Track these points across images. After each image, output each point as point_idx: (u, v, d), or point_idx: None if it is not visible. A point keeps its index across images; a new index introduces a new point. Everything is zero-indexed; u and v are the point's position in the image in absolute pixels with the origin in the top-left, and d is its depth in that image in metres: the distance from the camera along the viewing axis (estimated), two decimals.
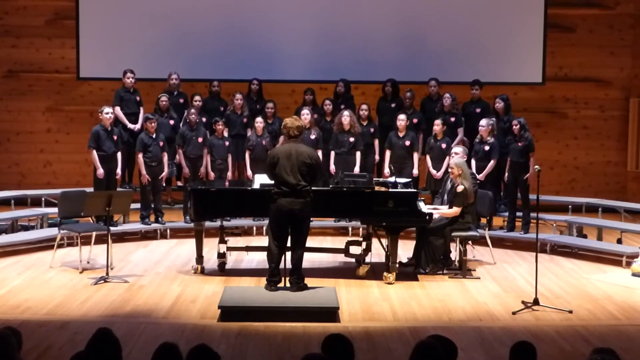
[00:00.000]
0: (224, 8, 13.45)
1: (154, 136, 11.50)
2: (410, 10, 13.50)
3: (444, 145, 11.63)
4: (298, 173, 8.53)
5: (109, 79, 13.23)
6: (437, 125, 11.69)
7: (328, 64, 13.41)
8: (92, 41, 13.52)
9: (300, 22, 13.49)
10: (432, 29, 13.53)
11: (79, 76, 13.68)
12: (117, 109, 12.13)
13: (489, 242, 10.60)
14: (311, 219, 9.02)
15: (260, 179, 9.53)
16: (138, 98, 12.41)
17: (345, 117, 11.81)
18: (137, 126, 12.20)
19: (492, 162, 11.40)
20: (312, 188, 8.72)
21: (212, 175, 11.85)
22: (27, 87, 13.96)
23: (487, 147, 11.40)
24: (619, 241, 11.26)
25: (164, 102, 12.13)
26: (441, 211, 9.94)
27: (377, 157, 12.21)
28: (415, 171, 11.86)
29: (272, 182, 8.76)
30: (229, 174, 11.97)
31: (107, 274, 9.39)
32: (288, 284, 8.77)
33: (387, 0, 13.47)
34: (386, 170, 11.49)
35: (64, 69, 13.89)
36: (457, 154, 10.29)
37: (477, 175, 11.10)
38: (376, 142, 12.18)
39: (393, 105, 12.69)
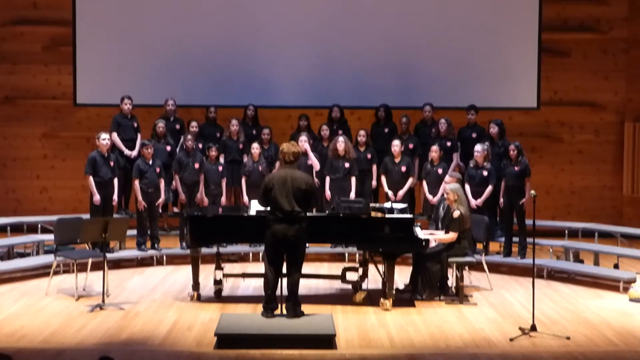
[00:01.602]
0: (219, 35, 13.50)
1: (150, 162, 11.51)
2: (405, 36, 13.56)
3: (440, 171, 11.65)
4: (293, 199, 8.54)
5: (106, 105, 13.26)
6: (435, 152, 11.72)
7: (323, 90, 13.46)
8: (89, 67, 13.54)
9: (295, 48, 13.55)
10: (427, 54, 13.58)
11: (76, 102, 13.70)
12: (114, 135, 12.16)
13: (485, 267, 10.60)
14: (307, 244, 9.01)
15: (257, 205, 9.53)
16: (135, 124, 12.44)
17: (340, 142, 11.84)
18: (134, 153, 12.21)
19: (489, 188, 11.42)
20: (308, 214, 8.72)
21: (205, 201, 11.84)
22: (23, 113, 13.99)
23: (485, 173, 11.42)
24: (616, 266, 11.25)
25: (160, 128, 12.16)
26: (438, 237, 9.95)
27: (374, 182, 12.23)
28: (401, 193, 11.86)
29: (264, 208, 8.77)
30: (223, 199, 11.97)
31: (103, 301, 9.37)
32: (284, 311, 8.75)
33: (381, 26, 13.52)
34: (390, 194, 11.55)
35: (61, 95, 13.92)
36: (447, 182, 10.31)
37: (473, 200, 11.13)
38: (374, 167, 12.21)
39: (386, 130, 12.74)
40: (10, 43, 13.93)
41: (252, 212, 9.60)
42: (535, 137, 14.05)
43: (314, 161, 11.83)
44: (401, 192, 11.91)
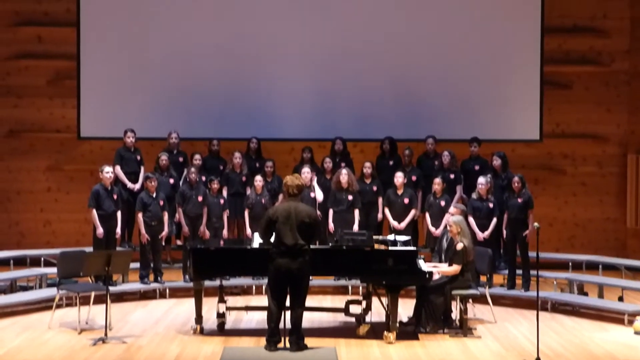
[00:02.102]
0: (223, 68, 13.57)
1: (154, 195, 11.53)
2: (407, 68, 13.62)
3: (443, 203, 11.66)
4: (297, 232, 8.53)
5: (109, 139, 13.32)
6: (437, 184, 11.73)
7: (326, 123, 13.51)
8: (93, 101, 13.62)
9: (298, 81, 13.62)
10: (429, 86, 13.64)
11: (80, 135, 13.76)
12: (118, 168, 12.20)
13: (489, 300, 10.56)
14: (310, 277, 9.00)
15: (259, 238, 9.53)
16: (139, 157, 12.48)
17: (344, 175, 11.87)
18: (137, 186, 12.24)
19: (495, 220, 11.42)
20: (311, 247, 8.71)
21: (207, 234, 11.84)
22: (28, 147, 14.04)
23: (490, 205, 11.42)
24: (621, 299, 11.22)
25: (163, 161, 12.19)
26: (441, 269, 9.93)
27: (380, 215, 12.23)
28: (403, 224, 11.86)
29: (265, 241, 8.76)
30: (225, 232, 11.97)
31: (106, 334, 9.34)
32: (288, 344, 8.72)
33: (383, 59, 13.59)
34: (396, 224, 11.55)
35: (65, 129, 13.98)
36: (452, 214, 10.31)
37: (479, 233, 11.14)
38: (380, 199, 12.21)
39: (391, 162, 12.77)
40: (15, 77, 14.01)
41: (255, 244, 9.60)
42: (538, 169, 14.06)
43: (317, 192, 11.83)
44: (403, 223, 11.89)
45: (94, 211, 11.20)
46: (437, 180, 11.79)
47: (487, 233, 11.37)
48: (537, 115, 13.72)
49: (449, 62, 13.64)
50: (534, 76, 13.69)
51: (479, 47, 13.66)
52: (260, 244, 9.41)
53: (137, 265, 11.54)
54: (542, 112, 13.74)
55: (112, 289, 10.49)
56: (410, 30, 13.61)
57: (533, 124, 13.73)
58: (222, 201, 11.97)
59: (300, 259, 8.52)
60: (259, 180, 11.97)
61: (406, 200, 11.94)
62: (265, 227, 8.69)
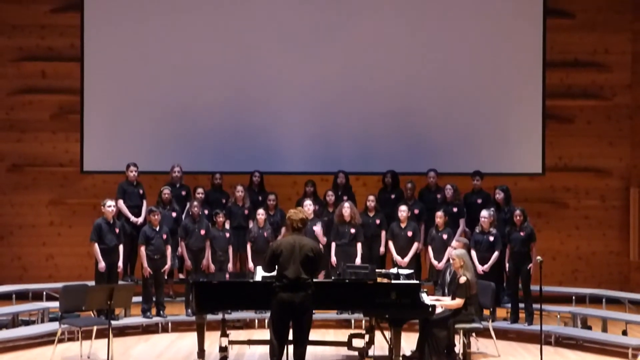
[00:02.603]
0: (225, 102, 13.64)
1: (157, 229, 11.53)
2: (410, 102, 13.68)
3: (445, 236, 11.66)
4: (300, 266, 8.51)
5: (112, 172, 13.36)
6: (440, 217, 11.75)
7: (329, 156, 13.54)
8: (96, 135, 13.68)
9: (300, 115, 13.67)
10: (432, 120, 13.69)
11: (83, 169, 13.79)
12: (120, 202, 12.22)
13: (492, 334, 10.51)
14: (313, 311, 8.95)
15: (262, 271, 9.51)
16: (141, 191, 12.51)
17: (346, 208, 11.89)
18: (140, 219, 12.26)
19: (496, 254, 11.41)
20: (314, 280, 8.68)
21: (212, 267, 11.83)
22: (31, 181, 14.07)
23: (491, 238, 11.42)
24: (624, 333, 11.17)
25: (166, 195, 12.21)
26: (444, 303, 9.89)
27: (382, 248, 12.22)
28: (406, 259, 11.85)
29: (268, 274, 8.73)
30: (230, 265, 11.96)
31: None
32: None
33: (385, 93, 13.65)
34: (398, 259, 11.54)
35: (68, 163, 14.01)
36: (454, 248, 10.29)
37: (479, 266, 11.11)
38: (383, 233, 12.21)
39: (393, 196, 12.79)
40: (19, 111, 14.07)
41: (258, 278, 9.58)
42: (541, 203, 14.06)
43: (320, 237, 11.83)
44: (407, 258, 11.90)
45: (96, 245, 11.20)
46: (439, 213, 11.79)
47: (486, 266, 11.34)
48: (540, 149, 13.76)
49: (451, 96, 13.69)
50: (536, 110, 13.75)
51: (481, 81, 13.72)
52: (262, 277, 9.39)
53: (139, 299, 11.52)
54: (544, 146, 13.77)
55: (114, 323, 10.47)
56: (412, 64, 13.68)
57: (535, 157, 13.76)
58: (227, 235, 11.98)
59: (303, 292, 8.48)
60: (261, 213, 11.98)
61: (409, 233, 11.94)
62: (269, 260, 8.66)
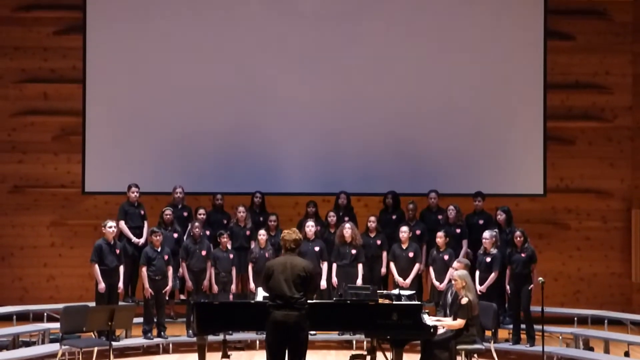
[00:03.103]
0: (226, 123, 13.66)
1: (158, 250, 11.53)
2: (411, 123, 13.70)
3: (446, 257, 11.65)
4: (293, 286, 8.46)
5: (114, 193, 13.36)
6: (440, 238, 11.75)
7: (330, 177, 13.54)
8: (98, 156, 13.69)
9: (302, 136, 13.69)
10: (433, 141, 13.69)
11: (84, 190, 13.80)
12: (122, 223, 12.22)
13: (494, 355, 10.47)
14: (313, 332, 8.91)
15: (263, 292, 9.48)
16: (142, 212, 12.51)
17: (347, 229, 11.89)
18: (142, 240, 12.26)
19: (493, 274, 11.40)
20: (315, 301, 8.65)
21: (215, 288, 11.83)
22: (32, 202, 14.07)
23: (488, 259, 11.42)
24: (627, 354, 11.13)
25: (167, 216, 12.21)
26: (445, 323, 9.86)
27: (384, 269, 12.21)
28: (408, 281, 11.85)
29: (269, 294, 8.71)
30: (233, 286, 11.95)
31: None
32: None
33: (387, 114, 13.66)
34: (400, 280, 11.52)
35: (70, 184, 14.02)
36: (455, 269, 10.28)
37: (478, 286, 11.10)
38: (384, 254, 12.21)
39: (394, 217, 12.78)
40: (21, 133, 14.10)
41: (259, 298, 9.56)
42: (543, 224, 14.05)
43: (321, 274, 11.84)
44: (408, 280, 11.89)
45: (96, 266, 11.20)
46: (440, 234, 11.80)
47: (483, 287, 11.33)
48: (541, 170, 13.76)
49: (452, 117, 13.71)
50: (537, 131, 13.76)
51: (482, 102, 13.75)
52: (264, 297, 9.37)
53: (140, 320, 11.49)
54: (545, 167, 13.78)
55: (115, 344, 10.44)
56: (413, 85, 13.71)
57: (537, 178, 13.76)
58: (231, 256, 11.97)
59: (297, 312, 8.41)
60: (262, 234, 11.98)
61: (411, 254, 11.94)
62: (264, 281, 8.65)
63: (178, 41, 13.69)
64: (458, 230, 12.36)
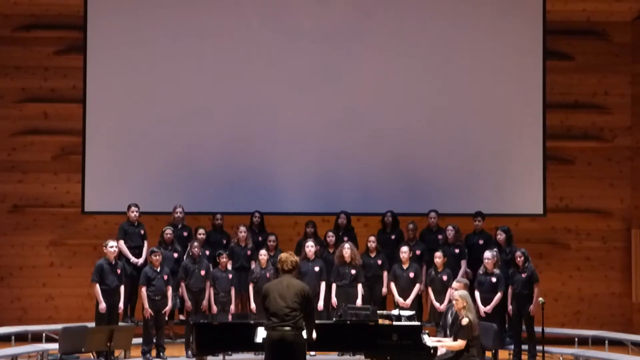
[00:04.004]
0: (226, 143, 13.66)
1: (158, 269, 11.51)
2: (411, 143, 13.69)
3: (445, 277, 11.64)
4: (289, 305, 8.44)
5: (114, 213, 13.34)
6: (439, 258, 11.74)
7: (330, 197, 13.53)
8: (98, 176, 13.68)
9: (301, 155, 13.68)
10: (433, 161, 13.68)
11: (84, 210, 13.78)
12: (121, 242, 12.21)
13: None
14: (312, 352, 8.88)
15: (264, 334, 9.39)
16: (142, 232, 12.50)
17: (346, 249, 11.87)
18: (141, 260, 12.25)
19: (499, 295, 11.38)
20: (315, 322, 8.63)
21: (214, 308, 11.80)
22: (31, 222, 14.05)
23: (494, 279, 11.39)
24: None
25: (168, 235, 12.21)
26: (446, 344, 9.83)
27: (384, 289, 12.19)
28: (408, 301, 11.83)
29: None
30: (232, 307, 11.92)
31: None
32: None
33: (386, 134, 13.66)
34: (401, 301, 11.50)
35: (69, 203, 14.01)
36: (455, 289, 10.26)
37: (482, 307, 11.07)
38: (385, 274, 12.19)
39: (393, 237, 12.78)
40: (21, 152, 14.10)
41: (259, 340, 9.40)
42: (543, 244, 14.03)
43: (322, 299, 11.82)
44: (409, 300, 11.87)
45: (97, 286, 11.18)
46: (438, 254, 11.80)
47: (488, 307, 11.32)
48: (541, 190, 13.75)
49: (452, 137, 13.71)
50: (536, 151, 13.76)
51: (481, 122, 13.75)
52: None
53: (139, 340, 11.45)
54: (545, 187, 13.77)
55: None
56: (413, 105, 13.72)
57: (536, 198, 13.75)
58: (230, 276, 11.95)
59: (294, 331, 8.39)
60: (263, 254, 11.96)
61: (411, 274, 11.92)
62: (260, 301, 8.64)
63: (178, 62, 13.71)
64: (457, 250, 12.35)
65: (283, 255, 8.71)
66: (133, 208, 12.46)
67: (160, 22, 13.75)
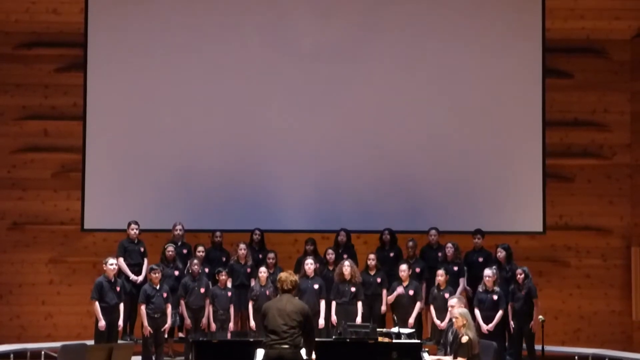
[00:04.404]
0: (226, 161, 13.67)
1: (157, 287, 11.50)
2: (410, 161, 13.70)
3: (447, 295, 11.61)
4: (287, 323, 8.44)
5: (113, 230, 13.33)
6: (441, 276, 11.73)
7: (329, 214, 13.52)
8: (97, 193, 13.68)
9: (301, 173, 13.69)
10: (432, 179, 13.69)
11: (83, 227, 13.77)
12: (121, 260, 12.21)
13: None
14: None
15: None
16: (142, 249, 12.50)
17: (346, 267, 11.86)
18: (140, 278, 12.23)
19: (500, 312, 11.37)
20: (316, 339, 8.61)
21: (213, 326, 11.77)
22: (31, 239, 14.04)
23: (495, 297, 11.38)
24: None
25: (170, 252, 12.21)
26: None
27: (383, 307, 12.17)
28: (411, 320, 11.81)
29: None
30: (231, 324, 11.89)
31: None
32: None
33: (386, 152, 13.68)
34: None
35: (69, 221, 14.00)
36: (453, 306, 10.23)
37: (484, 325, 11.05)
38: (384, 292, 12.17)
39: (392, 254, 12.77)
40: (21, 169, 14.11)
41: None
42: (542, 262, 14.02)
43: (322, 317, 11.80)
44: (411, 320, 11.84)
45: (97, 303, 11.16)
46: (441, 272, 11.78)
47: (491, 325, 11.30)
48: (540, 208, 13.75)
49: (451, 155, 13.72)
50: (536, 169, 13.77)
51: (481, 140, 13.77)
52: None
53: (138, 358, 11.41)
54: (545, 204, 13.77)
55: None
56: (413, 123, 13.74)
57: (536, 216, 13.75)
58: (229, 294, 11.94)
59: (293, 349, 8.38)
60: (263, 271, 11.95)
61: (411, 292, 11.90)
62: (260, 320, 8.63)
63: (178, 79, 13.74)
64: (456, 268, 12.34)
65: (283, 275, 8.71)
66: (133, 225, 12.46)
67: (160, 41, 13.77)
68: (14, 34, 14.14)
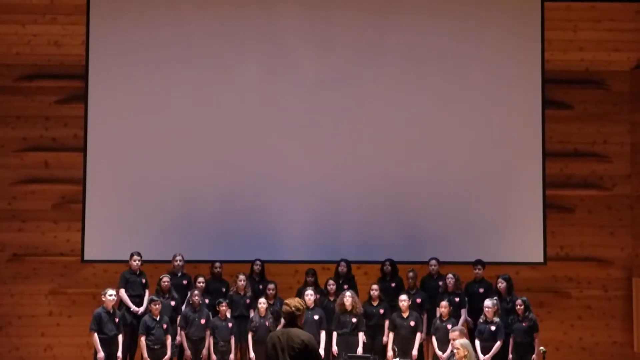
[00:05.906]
0: (226, 192, 13.66)
1: (157, 318, 11.46)
2: (411, 192, 13.70)
3: (449, 326, 11.56)
4: (288, 356, 8.36)
5: (113, 262, 13.31)
6: (444, 307, 11.70)
7: (330, 245, 13.50)
8: (97, 224, 13.66)
9: (301, 204, 13.68)
10: (432, 210, 13.68)
11: (83, 259, 13.75)
12: (122, 291, 12.17)
13: None
14: None
15: None
16: (144, 280, 12.47)
17: (348, 297, 11.83)
18: (142, 309, 12.19)
19: (498, 343, 11.31)
20: None
21: (214, 357, 11.72)
22: (31, 271, 14.00)
23: (493, 327, 11.34)
24: None
25: (165, 283, 12.17)
26: None
27: (385, 338, 12.12)
28: (414, 352, 11.76)
29: None
30: (232, 356, 11.84)
31: None
32: None
33: (386, 183, 13.68)
34: (389, 354, 11.40)
35: (69, 252, 13.98)
36: (454, 338, 10.18)
37: (481, 356, 10.99)
38: (386, 322, 12.13)
39: (393, 285, 12.73)
40: (21, 201, 14.10)
41: None
42: (543, 292, 13.98)
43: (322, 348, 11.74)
44: (414, 352, 11.79)
45: (95, 335, 11.13)
46: (444, 303, 11.75)
47: (487, 356, 11.25)
48: (541, 238, 13.74)
49: (451, 185, 13.73)
50: (536, 199, 13.77)
51: (481, 171, 13.79)
52: None
53: None
54: (545, 235, 13.76)
55: None
56: (413, 154, 13.76)
57: (537, 246, 13.73)
58: (230, 325, 11.89)
59: None
60: (262, 302, 11.92)
61: (412, 323, 11.86)
62: (265, 352, 8.55)
63: (178, 111, 13.78)
64: (457, 299, 12.31)
65: (285, 307, 8.53)
66: (135, 257, 12.44)
67: (161, 72, 13.82)
68: (15, 66, 14.19)
